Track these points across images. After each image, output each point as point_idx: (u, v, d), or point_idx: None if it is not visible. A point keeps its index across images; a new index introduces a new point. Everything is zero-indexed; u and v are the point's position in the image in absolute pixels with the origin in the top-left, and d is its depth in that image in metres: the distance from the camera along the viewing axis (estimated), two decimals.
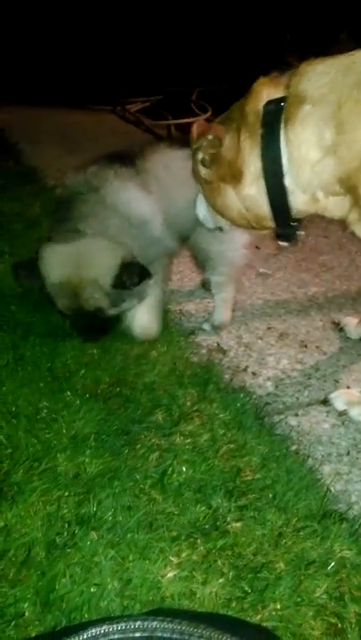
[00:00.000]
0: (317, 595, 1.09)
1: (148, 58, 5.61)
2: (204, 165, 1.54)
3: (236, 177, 1.49)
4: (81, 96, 5.45)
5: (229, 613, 1.04)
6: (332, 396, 1.72)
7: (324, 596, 1.09)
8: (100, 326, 1.76)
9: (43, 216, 2.66)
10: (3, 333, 1.80)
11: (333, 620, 1.06)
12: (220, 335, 2.04)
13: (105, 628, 0.65)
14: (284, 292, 2.36)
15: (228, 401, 1.63)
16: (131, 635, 0.64)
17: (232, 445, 1.46)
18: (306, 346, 2.02)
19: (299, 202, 1.46)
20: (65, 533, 1.17)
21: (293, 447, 1.54)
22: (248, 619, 1.03)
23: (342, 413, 1.67)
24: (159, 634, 0.65)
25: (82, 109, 5.35)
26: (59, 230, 1.72)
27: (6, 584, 1.07)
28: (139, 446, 1.42)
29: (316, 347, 2.02)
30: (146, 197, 1.77)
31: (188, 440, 1.45)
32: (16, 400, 1.53)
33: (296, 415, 1.68)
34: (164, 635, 0.65)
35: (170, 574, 1.10)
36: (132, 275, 1.65)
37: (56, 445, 1.39)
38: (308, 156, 1.35)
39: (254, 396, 1.73)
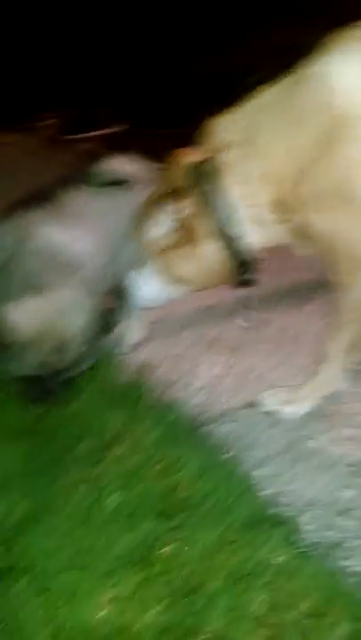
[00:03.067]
0: (255, 607, 1.07)
1: (61, 73, 5.55)
2: (173, 231, 1.55)
3: (192, 238, 1.53)
4: None
5: None
6: (261, 397, 1.71)
7: (262, 608, 1.08)
8: (53, 389, 1.65)
9: None
10: None
11: (273, 632, 1.04)
12: (149, 349, 2.01)
13: None
14: (212, 299, 2.35)
15: (159, 417, 1.60)
16: None
17: (165, 463, 1.43)
18: (238, 349, 2.01)
19: (256, 241, 1.51)
20: None
21: (229, 454, 1.52)
22: None
23: (274, 413, 1.67)
24: None
25: None
26: (7, 288, 1.64)
27: None
28: (67, 480, 1.37)
29: (250, 348, 2.01)
30: (76, 235, 1.71)
31: (119, 465, 1.42)
32: None
33: (231, 422, 1.67)
34: None
35: (102, 613, 1.06)
36: (104, 326, 1.65)
37: None
38: (245, 194, 1.43)
39: (187, 408, 1.71)
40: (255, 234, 1.50)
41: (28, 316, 1.59)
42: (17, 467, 1.40)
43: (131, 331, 2.03)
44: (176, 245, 1.57)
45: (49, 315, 1.60)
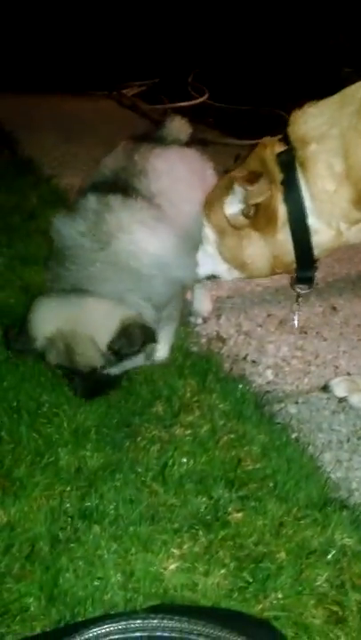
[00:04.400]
0: (319, 583, 1.11)
1: (142, 41, 5.53)
2: (244, 214, 1.53)
3: (270, 223, 1.51)
4: (76, 82, 5.38)
5: (232, 604, 1.06)
6: (332, 382, 1.72)
7: (325, 585, 1.11)
8: (99, 386, 1.55)
9: (40, 208, 2.65)
10: (0, 328, 1.80)
11: (335, 609, 1.07)
12: (219, 323, 2.04)
13: (106, 627, 0.66)
14: (284, 278, 2.34)
15: (227, 390, 1.63)
16: (131, 634, 0.65)
17: (232, 435, 1.47)
18: (306, 332, 2.02)
19: (324, 239, 1.50)
20: (68, 528, 1.18)
21: (294, 435, 1.54)
22: (250, 609, 1.05)
23: (342, 400, 1.68)
24: (159, 633, 0.66)
25: (77, 95, 5.28)
26: (53, 288, 1.56)
27: (11, 579, 1.08)
28: (139, 439, 1.43)
29: (317, 333, 2.02)
30: (161, 235, 1.57)
31: (189, 431, 1.46)
32: (17, 395, 1.54)
33: (296, 403, 1.68)
34: (164, 634, 0.66)
35: (172, 566, 1.11)
36: (130, 340, 1.47)
37: (58, 440, 1.41)
38: (325, 189, 1.42)
39: (254, 385, 1.73)
40: (329, 232, 1.49)
41: (49, 317, 1.50)
42: (92, 421, 1.46)
43: (200, 302, 2.06)
44: (246, 228, 1.56)
45: (71, 318, 1.48)
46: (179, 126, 1.87)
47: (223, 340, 1.95)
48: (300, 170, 1.44)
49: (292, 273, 1.61)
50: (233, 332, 2.01)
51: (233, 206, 1.55)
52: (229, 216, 1.56)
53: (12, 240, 2.35)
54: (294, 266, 1.56)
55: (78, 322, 1.47)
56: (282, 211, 1.49)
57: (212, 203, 1.63)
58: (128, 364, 1.56)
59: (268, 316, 2.10)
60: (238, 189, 1.51)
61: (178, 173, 1.71)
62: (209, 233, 1.64)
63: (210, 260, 1.67)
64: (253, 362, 1.86)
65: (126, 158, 1.68)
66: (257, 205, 1.50)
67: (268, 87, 4.80)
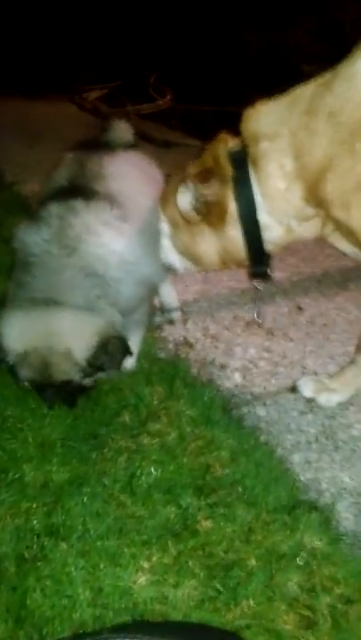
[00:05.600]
0: (289, 588, 1.10)
1: (104, 43, 5.51)
2: (195, 209, 1.53)
3: (220, 219, 1.51)
4: (37, 85, 5.33)
5: (202, 614, 1.04)
6: (299, 383, 1.73)
7: (295, 589, 1.10)
8: (69, 395, 1.52)
9: (3, 216, 2.61)
10: None
11: (306, 613, 1.07)
12: (186, 328, 2.03)
13: None
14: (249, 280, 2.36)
15: (195, 396, 1.62)
16: None
17: (200, 442, 1.46)
18: (272, 333, 2.02)
19: (275, 235, 1.50)
20: (34, 546, 1.16)
21: (262, 438, 1.54)
22: (221, 618, 1.04)
23: (310, 400, 1.68)
24: None
25: (39, 99, 5.24)
26: (21, 297, 1.49)
27: None
28: (106, 450, 1.41)
29: (283, 333, 2.03)
30: (126, 238, 1.55)
31: (156, 440, 1.45)
32: None
33: (264, 405, 1.69)
34: None
35: (141, 580, 1.10)
36: (112, 356, 1.46)
37: (23, 455, 1.38)
38: (276, 187, 1.42)
39: (222, 389, 1.73)
40: (280, 229, 1.49)
41: (21, 330, 1.45)
42: (58, 434, 1.43)
43: (167, 296, 2.06)
44: (198, 223, 1.56)
45: (45, 333, 1.44)
46: (122, 129, 1.86)
47: (190, 345, 1.94)
48: (252, 167, 1.44)
49: (245, 267, 1.61)
50: (200, 335, 2.00)
51: (186, 201, 1.55)
52: (182, 210, 1.56)
53: None
54: (246, 261, 1.56)
55: (53, 337, 1.43)
56: (232, 207, 1.49)
57: (166, 197, 1.63)
58: (101, 375, 1.54)
59: (235, 318, 2.10)
60: (191, 185, 1.52)
61: (132, 174, 1.71)
62: (163, 225, 1.64)
63: (164, 252, 1.66)
64: (221, 365, 1.86)
65: (78, 167, 1.66)
66: (208, 202, 1.51)
67: (231, 86, 4.82)
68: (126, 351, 1.49)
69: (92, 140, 1.86)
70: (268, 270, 1.58)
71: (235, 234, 1.50)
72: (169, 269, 1.69)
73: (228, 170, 1.47)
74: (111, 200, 1.58)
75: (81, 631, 0.99)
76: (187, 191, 1.53)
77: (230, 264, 1.59)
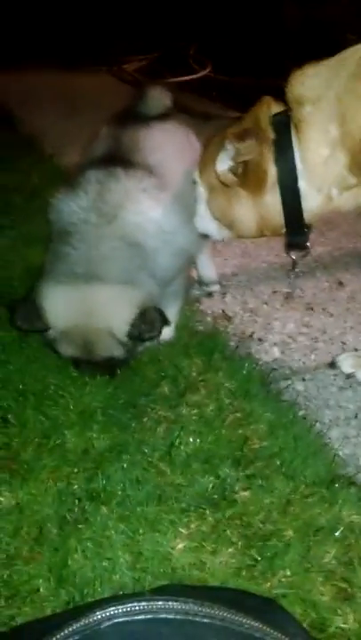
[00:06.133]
0: (326, 560, 1.11)
1: (143, 14, 5.42)
2: (232, 171, 1.49)
3: (258, 183, 1.47)
4: (76, 57, 5.29)
5: (239, 582, 1.06)
6: (339, 358, 1.71)
7: (333, 562, 1.11)
8: (110, 367, 1.54)
9: (42, 187, 2.62)
10: (5, 310, 1.79)
11: (343, 585, 1.07)
12: (224, 301, 2.02)
13: (110, 610, 0.66)
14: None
15: (233, 369, 1.62)
16: (135, 617, 0.65)
17: (239, 414, 1.46)
18: (312, 308, 2.00)
19: (314, 204, 1.45)
20: (76, 509, 1.19)
21: (301, 413, 1.54)
22: (258, 587, 1.05)
23: (350, 376, 1.67)
24: (163, 615, 0.66)
25: (77, 71, 5.20)
26: (61, 270, 1.48)
27: (20, 561, 1.09)
28: (146, 419, 1.42)
29: (323, 309, 2.00)
30: (164, 207, 1.54)
31: (195, 411, 1.46)
32: (23, 378, 1.54)
33: (303, 380, 1.68)
34: (169, 615, 0.66)
35: (180, 546, 1.12)
36: (151, 325, 1.44)
37: (64, 422, 1.41)
38: (318, 153, 1.37)
39: (260, 363, 1.72)
40: (320, 197, 1.44)
41: (62, 307, 1.45)
42: (99, 402, 1.46)
43: (205, 268, 2.06)
44: (235, 186, 1.51)
45: (87, 311, 1.43)
46: (158, 97, 1.82)
47: (229, 318, 1.93)
48: (295, 131, 1.39)
49: (281, 236, 1.59)
50: (238, 309, 1.99)
51: (223, 163, 1.51)
52: (219, 173, 1.52)
53: (14, 220, 2.34)
54: (284, 230, 1.54)
55: (93, 315, 1.44)
56: (272, 171, 1.44)
57: (204, 160, 1.60)
58: (141, 349, 1.55)
59: (274, 292, 2.08)
60: (229, 146, 1.48)
61: (170, 146, 1.69)
62: (200, 190, 1.61)
63: (201, 218, 1.63)
64: (259, 339, 1.85)
65: (116, 139, 1.65)
66: (246, 164, 1.47)
67: (272, 58, 4.70)
68: (164, 320, 1.47)
69: (128, 110, 1.84)
70: (306, 241, 1.55)
71: (273, 200, 1.46)
72: (205, 239, 1.68)
73: (270, 133, 1.42)
74: (149, 170, 1.57)
75: (121, 592, 1.01)
76: (225, 153, 1.48)
77: (267, 232, 1.56)
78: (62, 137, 3.56)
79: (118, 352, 1.48)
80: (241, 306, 2.01)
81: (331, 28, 4.79)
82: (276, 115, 1.44)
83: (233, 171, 1.48)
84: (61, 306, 1.45)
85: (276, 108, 1.45)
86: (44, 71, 4.96)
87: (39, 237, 2.13)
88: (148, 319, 1.44)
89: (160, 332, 1.49)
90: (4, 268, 2.05)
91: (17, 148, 3.23)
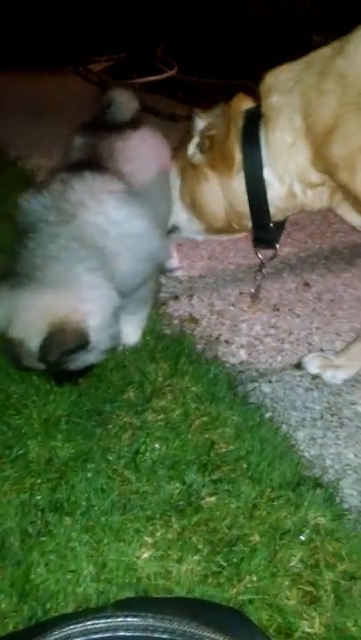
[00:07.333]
0: (293, 564, 1.10)
1: (109, 14, 5.39)
2: (199, 149, 1.55)
3: (225, 161, 1.51)
4: (41, 57, 5.23)
5: (206, 589, 1.05)
6: (305, 359, 1.71)
7: (299, 565, 1.10)
8: (67, 374, 1.47)
9: (6, 192, 2.57)
10: None
11: (309, 589, 1.07)
12: (191, 304, 2.01)
13: (67, 630, 0.64)
14: (254, 256, 2.33)
15: (200, 373, 1.61)
16: (93, 636, 0.64)
17: (205, 418, 1.45)
18: (278, 309, 2.01)
19: (277, 195, 1.48)
20: (39, 521, 1.16)
21: (267, 415, 1.54)
22: (224, 593, 1.04)
23: (316, 377, 1.67)
24: (122, 632, 0.64)
25: (42, 73, 5.15)
26: (9, 270, 1.41)
27: None
28: (111, 426, 1.40)
29: (289, 309, 2.01)
30: (130, 211, 1.48)
31: (161, 416, 1.44)
32: None
33: (270, 382, 1.68)
34: (127, 633, 0.64)
35: (145, 555, 1.10)
36: (56, 346, 1.34)
37: (27, 431, 1.38)
38: (283, 140, 1.42)
39: (227, 365, 1.72)
40: (283, 189, 1.47)
41: (18, 310, 1.38)
42: (62, 410, 1.43)
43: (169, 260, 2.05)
44: (203, 167, 1.56)
45: (10, 318, 1.37)
46: (127, 102, 1.80)
47: (196, 321, 1.93)
48: (263, 120, 1.44)
49: (247, 231, 1.61)
50: (206, 312, 1.99)
51: (193, 146, 1.58)
52: (189, 154, 1.58)
53: None
54: (250, 223, 1.55)
55: (13, 326, 1.37)
56: (238, 156, 1.49)
57: (177, 148, 1.66)
58: (86, 359, 1.44)
59: (241, 294, 2.09)
60: (198, 123, 1.53)
61: (143, 154, 1.65)
62: (173, 180, 1.66)
63: (179, 207, 1.67)
64: (226, 342, 1.85)
65: (88, 149, 1.61)
66: (213, 141, 1.52)
67: (239, 59, 4.72)
68: (81, 343, 1.37)
69: (98, 117, 1.80)
70: (275, 240, 1.57)
71: (239, 187, 1.50)
72: (174, 231, 1.67)
73: (239, 121, 1.48)
74: (120, 175, 1.54)
75: (84, 606, 0.99)
76: (194, 130, 1.55)
77: (235, 225, 1.59)
78: (27, 140, 3.52)
79: (39, 366, 1.40)
80: (208, 308, 2.01)
81: (298, 27, 4.83)
82: (247, 109, 1.50)
83: (200, 147, 1.53)
84: (11, 311, 1.38)
85: (249, 104, 1.51)
86: (5, 73, 4.89)
87: (2, 245, 2.09)
88: (56, 340, 1.33)
89: (71, 355, 1.39)
90: None
91: None
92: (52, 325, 1.33)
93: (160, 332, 1.81)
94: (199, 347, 1.79)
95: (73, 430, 1.38)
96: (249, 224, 1.58)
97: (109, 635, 0.64)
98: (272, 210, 1.51)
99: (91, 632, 0.64)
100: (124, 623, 0.67)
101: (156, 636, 0.65)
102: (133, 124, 1.69)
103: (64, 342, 1.34)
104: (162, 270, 2.02)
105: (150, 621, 0.67)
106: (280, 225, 1.59)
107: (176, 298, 2.06)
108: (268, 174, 1.46)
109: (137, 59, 5.20)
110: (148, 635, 0.65)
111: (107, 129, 1.66)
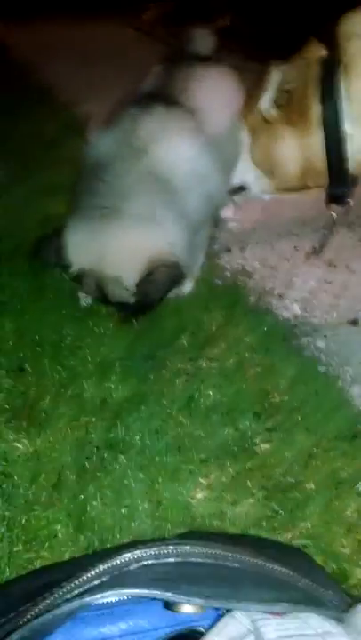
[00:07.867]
0: (348, 513, 1.10)
1: None
2: (277, 104, 1.46)
3: (303, 118, 1.43)
4: (91, 5, 5.11)
5: (260, 532, 1.05)
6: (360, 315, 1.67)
7: (354, 515, 1.10)
8: (136, 308, 1.49)
9: (60, 136, 2.56)
10: (22, 260, 1.76)
11: None
12: (244, 257, 1.97)
13: (138, 553, 0.65)
14: (312, 210, 2.26)
15: (254, 324, 1.59)
16: (164, 560, 0.64)
17: (259, 368, 1.44)
18: (335, 265, 1.95)
19: (358, 150, 1.41)
20: (94, 457, 1.18)
21: (322, 369, 1.51)
22: (279, 537, 1.04)
23: None
24: (193, 559, 0.64)
25: (93, 20, 5.03)
26: (88, 204, 1.44)
27: (39, 507, 1.08)
28: (165, 371, 1.40)
29: (346, 266, 1.95)
30: (200, 149, 1.49)
31: (215, 364, 1.43)
32: (39, 329, 1.51)
33: (325, 336, 1.64)
34: (198, 559, 0.65)
35: (200, 495, 1.11)
36: (159, 282, 1.39)
37: (82, 372, 1.39)
38: None
39: (281, 319, 1.69)
40: None
41: (80, 245, 1.43)
42: (119, 353, 1.43)
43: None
44: (278, 125, 1.49)
45: (101, 255, 1.40)
46: (205, 38, 1.76)
47: (249, 274, 1.89)
48: (343, 70, 1.35)
49: (323, 186, 1.54)
50: (258, 265, 1.94)
51: (267, 101, 1.48)
52: (263, 110, 1.49)
53: (31, 170, 2.28)
54: (326, 179, 1.48)
55: (105, 260, 1.41)
56: (316, 110, 1.40)
57: (248, 102, 1.56)
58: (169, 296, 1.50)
59: (295, 248, 2.03)
60: (274, 77, 1.45)
61: (217, 91, 1.62)
62: (243, 135, 1.58)
63: (241, 167, 1.60)
64: (280, 296, 1.81)
65: (164, 79, 1.60)
66: (291, 95, 1.43)
67: (297, 8, 4.50)
68: (176, 280, 1.43)
69: (178, 50, 1.78)
70: (349, 195, 1.50)
71: (317, 141, 1.43)
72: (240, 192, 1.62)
73: (316, 70, 1.39)
74: (191, 111, 1.52)
75: (142, 539, 1.01)
76: (270, 84, 1.45)
77: (309, 180, 1.51)
78: (79, 86, 3.46)
79: (130, 299, 1.44)
80: (261, 262, 1.96)
81: None
82: (324, 57, 1.42)
83: (277, 102, 1.44)
84: (81, 243, 1.43)
85: (323, 51, 1.42)
86: (56, 20, 4.79)
87: (56, 188, 2.08)
88: (155, 279, 1.39)
89: (167, 292, 1.45)
90: (21, 218, 2.00)
91: (32, 98, 3.14)
92: (150, 261, 1.38)
93: (213, 282, 1.79)
94: (252, 299, 1.75)
95: (127, 373, 1.38)
96: (326, 181, 1.51)
97: (181, 560, 0.64)
98: (351, 165, 1.43)
99: (162, 556, 0.65)
100: (194, 551, 0.66)
101: (227, 564, 0.65)
102: (211, 60, 1.65)
103: (164, 278, 1.39)
104: (215, 220, 1.99)
105: (219, 552, 0.67)
106: (355, 180, 1.52)
107: (228, 250, 2.02)
108: (348, 128, 1.38)
109: (190, 6, 5.02)
110: (220, 562, 0.65)
111: (186, 62, 1.62)
